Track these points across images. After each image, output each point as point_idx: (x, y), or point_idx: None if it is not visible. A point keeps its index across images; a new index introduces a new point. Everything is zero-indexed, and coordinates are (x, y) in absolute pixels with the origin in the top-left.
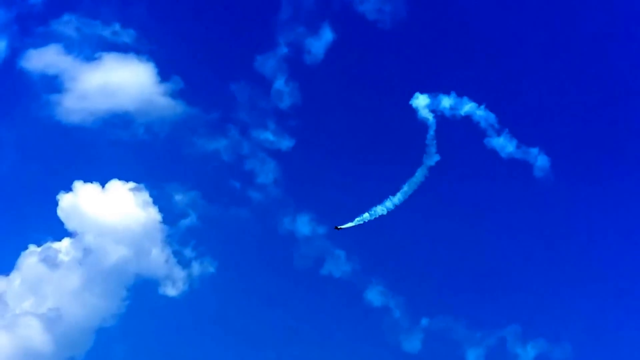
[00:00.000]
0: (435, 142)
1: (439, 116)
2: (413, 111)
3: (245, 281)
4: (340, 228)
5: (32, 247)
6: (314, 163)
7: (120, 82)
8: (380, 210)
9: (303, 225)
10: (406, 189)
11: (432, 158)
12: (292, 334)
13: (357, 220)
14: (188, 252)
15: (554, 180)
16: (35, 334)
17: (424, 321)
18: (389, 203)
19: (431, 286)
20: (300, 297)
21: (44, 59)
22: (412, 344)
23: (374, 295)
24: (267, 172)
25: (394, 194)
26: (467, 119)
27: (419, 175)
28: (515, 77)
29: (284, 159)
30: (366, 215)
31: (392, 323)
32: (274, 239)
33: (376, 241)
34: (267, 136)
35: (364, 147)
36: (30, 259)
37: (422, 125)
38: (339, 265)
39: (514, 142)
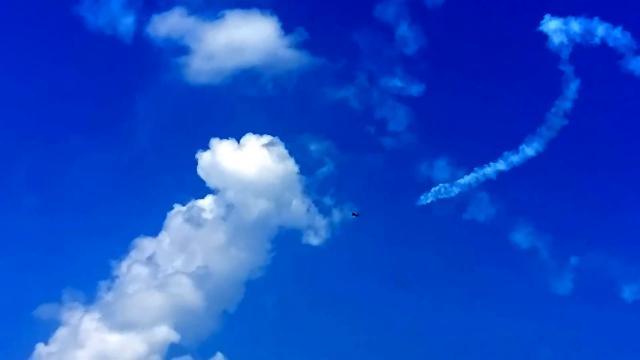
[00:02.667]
0: (572, 68)
1: (571, 40)
2: (543, 39)
3: (387, 226)
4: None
5: (177, 207)
6: (447, 106)
7: (245, 38)
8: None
9: (440, 170)
10: (545, 126)
11: (570, 88)
12: (437, 279)
13: None
14: (328, 200)
15: None
16: (187, 291)
17: (574, 260)
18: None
19: (579, 223)
20: (443, 242)
21: (168, 23)
22: (563, 284)
23: (521, 237)
24: (399, 119)
25: (532, 130)
26: (601, 41)
27: (559, 108)
28: None
29: (415, 104)
30: None
31: (540, 264)
32: (412, 184)
33: (519, 181)
34: (396, 83)
35: (497, 82)
36: (176, 218)
37: (555, 54)
38: (482, 208)
39: None
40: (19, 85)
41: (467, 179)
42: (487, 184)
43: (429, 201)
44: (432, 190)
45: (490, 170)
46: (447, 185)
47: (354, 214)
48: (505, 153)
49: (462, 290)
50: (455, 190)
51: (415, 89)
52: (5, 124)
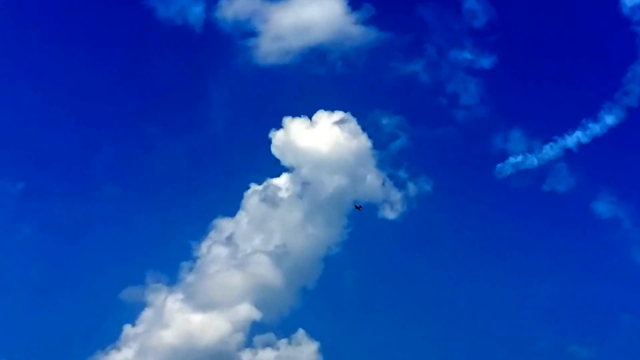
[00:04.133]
0: None
1: None
2: (615, 3)
3: (464, 198)
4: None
5: (254, 187)
6: (520, 77)
7: (311, 17)
8: None
9: (516, 141)
10: (622, 91)
11: None
12: (517, 251)
13: None
14: (402, 174)
15: None
16: (266, 270)
17: None
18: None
19: None
20: (522, 214)
21: (235, 7)
22: None
23: (602, 207)
24: (470, 91)
25: (610, 97)
26: None
27: (635, 73)
28: None
29: (487, 77)
30: None
31: (622, 234)
32: (487, 156)
33: (599, 150)
34: (465, 55)
35: (569, 49)
36: (253, 198)
37: (627, 18)
38: (561, 179)
39: None
40: (96, 77)
41: (544, 150)
42: (567, 154)
43: (506, 173)
44: (509, 161)
45: (568, 139)
46: (524, 156)
47: (356, 207)
48: (583, 120)
49: (542, 262)
50: (533, 162)
51: (487, 62)
52: (83, 116)
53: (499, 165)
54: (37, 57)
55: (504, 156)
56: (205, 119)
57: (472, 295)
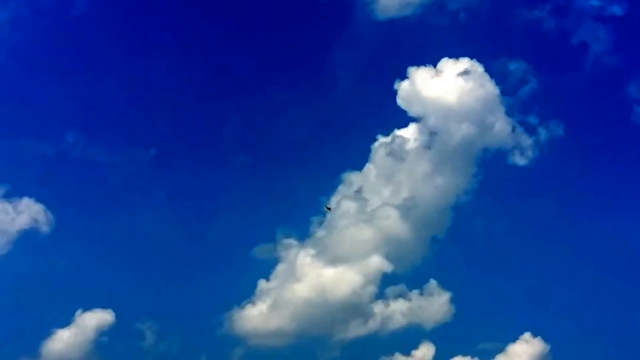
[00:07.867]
0: None
1: None
2: None
3: (596, 144)
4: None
5: (381, 139)
6: None
7: None
8: None
9: None
10: None
11: None
12: None
13: None
14: (532, 119)
15: None
16: (394, 223)
17: None
18: None
19: None
20: None
21: None
22: None
23: None
24: (600, 39)
25: None
26: None
27: None
28: None
29: (618, 24)
30: None
31: None
32: (621, 103)
33: None
34: (593, 3)
35: None
36: (380, 150)
37: None
38: None
39: None
40: (223, 50)
41: None
42: None
43: None
44: None
45: None
46: None
47: (327, 208)
48: None
49: None
50: None
51: (617, 8)
52: (212, 86)
53: (637, 108)
54: (169, 29)
55: (638, 103)
56: (330, 79)
57: (606, 241)
